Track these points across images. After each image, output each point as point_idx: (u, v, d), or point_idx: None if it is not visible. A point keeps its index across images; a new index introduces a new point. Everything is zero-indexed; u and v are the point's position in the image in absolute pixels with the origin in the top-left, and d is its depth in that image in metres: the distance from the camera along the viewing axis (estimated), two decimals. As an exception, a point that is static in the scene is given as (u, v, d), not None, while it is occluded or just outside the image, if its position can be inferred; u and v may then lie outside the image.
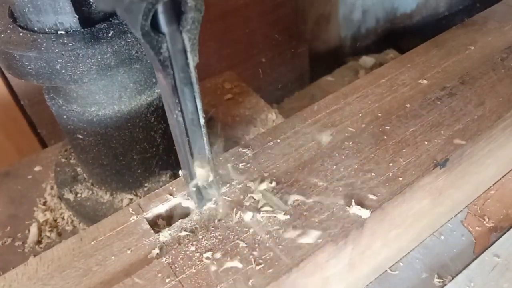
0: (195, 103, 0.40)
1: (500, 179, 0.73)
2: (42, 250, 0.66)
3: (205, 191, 0.47)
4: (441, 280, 0.61)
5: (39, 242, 0.68)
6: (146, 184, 0.68)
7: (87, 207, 0.67)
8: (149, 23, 0.33)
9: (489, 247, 0.64)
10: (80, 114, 0.58)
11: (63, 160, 0.75)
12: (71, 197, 0.69)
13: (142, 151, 0.63)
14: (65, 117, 0.59)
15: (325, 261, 0.47)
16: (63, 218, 0.71)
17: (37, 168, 0.79)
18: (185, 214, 0.50)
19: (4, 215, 0.72)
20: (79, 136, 0.60)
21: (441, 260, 0.63)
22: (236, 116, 0.86)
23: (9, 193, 0.76)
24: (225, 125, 0.83)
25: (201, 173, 0.45)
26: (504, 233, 0.65)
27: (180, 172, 0.50)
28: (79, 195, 0.69)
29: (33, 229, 0.69)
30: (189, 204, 0.50)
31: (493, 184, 0.72)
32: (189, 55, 0.36)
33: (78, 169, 0.72)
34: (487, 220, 0.67)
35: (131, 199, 0.67)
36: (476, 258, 0.63)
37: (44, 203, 0.73)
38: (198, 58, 0.37)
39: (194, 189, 0.46)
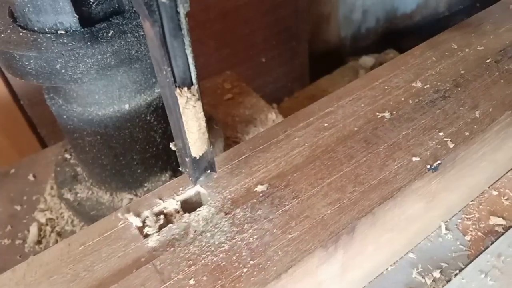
0: (187, 59, 0.35)
1: (494, 183, 0.72)
2: (42, 250, 0.67)
3: (200, 161, 0.45)
4: (435, 284, 0.61)
5: (39, 242, 0.68)
6: (146, 184, 0.68)
7: (87, 207, 0.67)
8: None
9: (484, 250, 0.63)
10: (80, 114, 0.58)
11: (63, 160, 0.75)
12: (71, 197, 0.69)
13: (142, 151, 0.63)
14: (65, 117, 0.59)
15: (315, 267, 0.47)
16: (63, 218, 0.71)
17: (37, 168, 0.79)
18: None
19: (4, 215, 0.72)
20: (79, 136, 0.60)
21: (436, 264, 0.63)
22: (236, 116, 0.86)
23: (9, 193, 0.76)
24: (225, 125, 0.83)
25: (196, 144, 0.44)
26: (499, 237, 0.65)
27: (172, 145, 0.47)
28: (79, 195, 0.69)
29: (33, 229, 0.69)
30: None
31: (488, 187, 0.72)
32: (179, 1, 0.31)
33: (78, 169, 0.72)
34: (482, 223, 0.67)
35: (131, 199, 0.67)
36: (470, 262, 0.62)
37: (44, 203, 0.73)
38: (189, 6, 0.32)
39: (188, 159, 0.44)
